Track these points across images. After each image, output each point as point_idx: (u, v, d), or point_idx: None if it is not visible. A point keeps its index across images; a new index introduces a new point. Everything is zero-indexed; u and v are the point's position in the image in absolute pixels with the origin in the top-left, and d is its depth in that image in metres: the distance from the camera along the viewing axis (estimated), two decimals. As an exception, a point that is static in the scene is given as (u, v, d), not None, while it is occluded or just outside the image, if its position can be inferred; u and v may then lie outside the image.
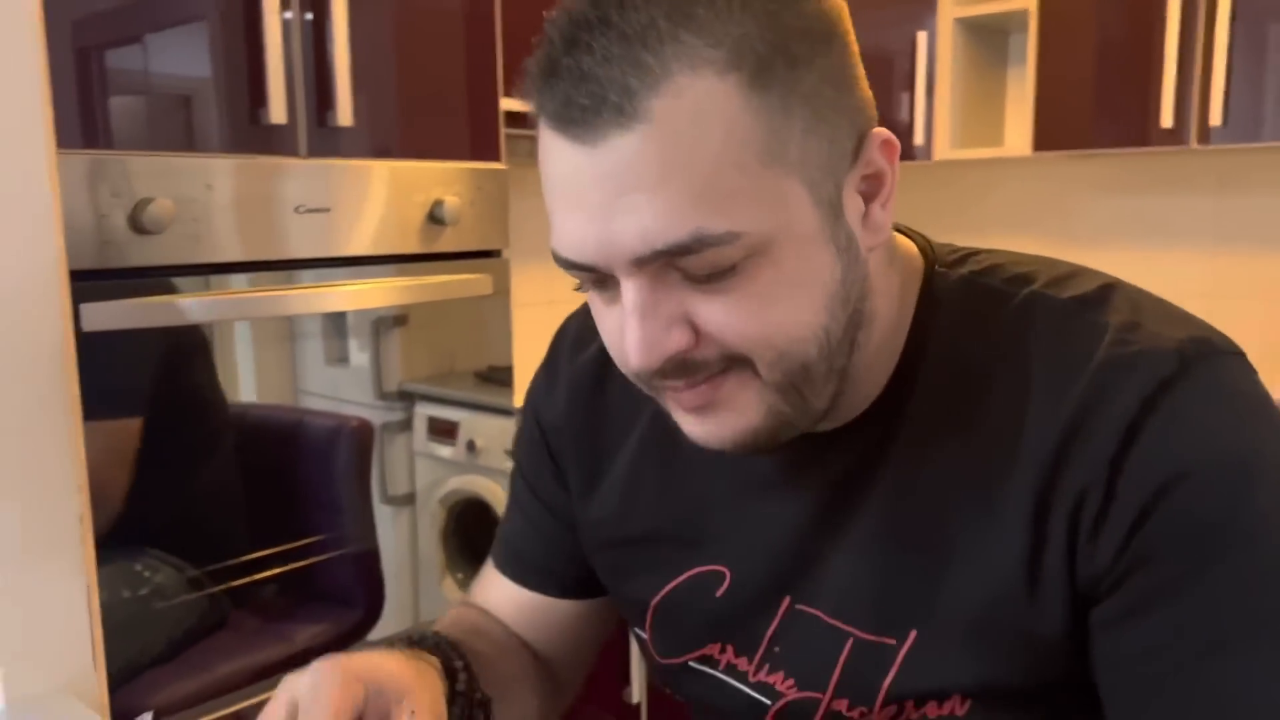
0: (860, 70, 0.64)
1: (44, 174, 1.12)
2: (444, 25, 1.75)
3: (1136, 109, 2.22)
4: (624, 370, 0.66)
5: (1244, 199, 2.45)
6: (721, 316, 0.60)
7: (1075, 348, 0.64)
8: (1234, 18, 2.06)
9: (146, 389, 1.46)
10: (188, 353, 1.54)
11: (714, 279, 0.59)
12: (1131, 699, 0.63)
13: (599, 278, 0.62)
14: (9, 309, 1.09)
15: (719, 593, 0.76)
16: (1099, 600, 0.63)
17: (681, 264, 0.59)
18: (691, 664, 0.80)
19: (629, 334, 0.60)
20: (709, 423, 0.64)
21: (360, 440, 1.86)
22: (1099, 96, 2.30)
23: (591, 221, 0.59)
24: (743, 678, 0.77)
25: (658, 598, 0.80)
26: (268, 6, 1.45)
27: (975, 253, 0.74)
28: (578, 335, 0.87)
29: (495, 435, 1.97)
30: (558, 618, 0.91)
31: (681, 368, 0.61)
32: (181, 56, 1.43)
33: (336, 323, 2.03)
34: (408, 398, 2.05)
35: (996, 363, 0.66)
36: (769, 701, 0.75)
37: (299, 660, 0.66)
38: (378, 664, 0.65)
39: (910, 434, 0.69)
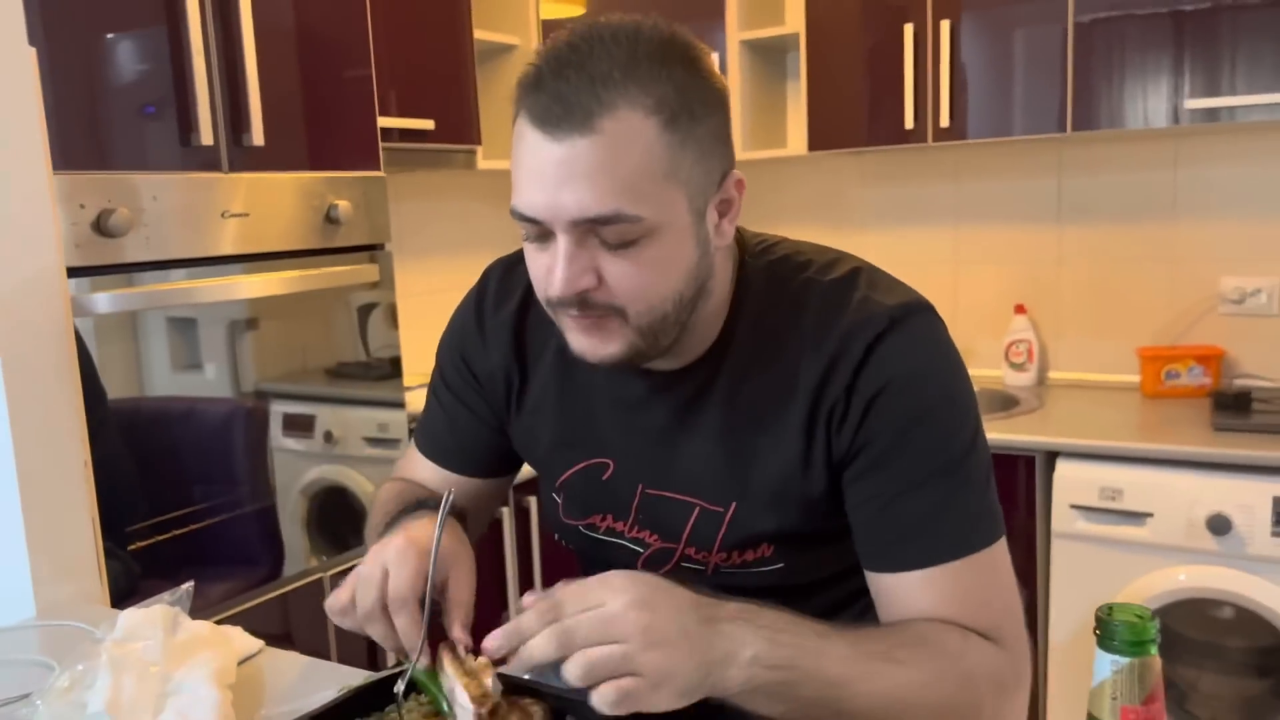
0: (731, 130, 0.89)
1: (44, 190, 1.36)
2: (330, 60, 1.94)
3: (889, 113, 2.47)
4: (542, 297, 0.89)
5: (975, 184, 2.77)
6: (619, 272, 0.84)
7: (831, 317, 0.90)
8: (953, 41, 2.37)
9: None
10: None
11: (620, 247, 0.83)
12: (866, 528, 0.91)
13: (541, 231, 0.85)
14: (22, 302, 1.29)
15: (605, 477, 1.02)
16: (845, 467, 0.91)
17: (602, 232, 0.82)
18: (582, 529, 1.06)
19: (557, 270, 0.83)
20: (589, 342, 0.88)
21: (258, 417, 1.96)
22: (859, 104, 2.53)
23: (545, 191, 0.81)
24: (620, 535, 1.03)
25: (564, 477, 1.05)
26: (194, 48, 1.64)
27: (776, 243, 0.99)
28: (496, 296, 1.08)
29: (351, 425, 2.05)
30: (468, 489, 1.13)
31: (582, 303, 0.85)
32: (129, 92, 1.59)
33: (187, 327, 2.12)
34: (263, 396, 2.10)
35: (784, 327, 0.92)
36: (640, 550, 1.02)
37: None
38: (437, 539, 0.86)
39: (729, 372, 0.94)
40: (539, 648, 0.75)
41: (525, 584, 2.41)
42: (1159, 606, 2.06)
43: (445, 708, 0.89)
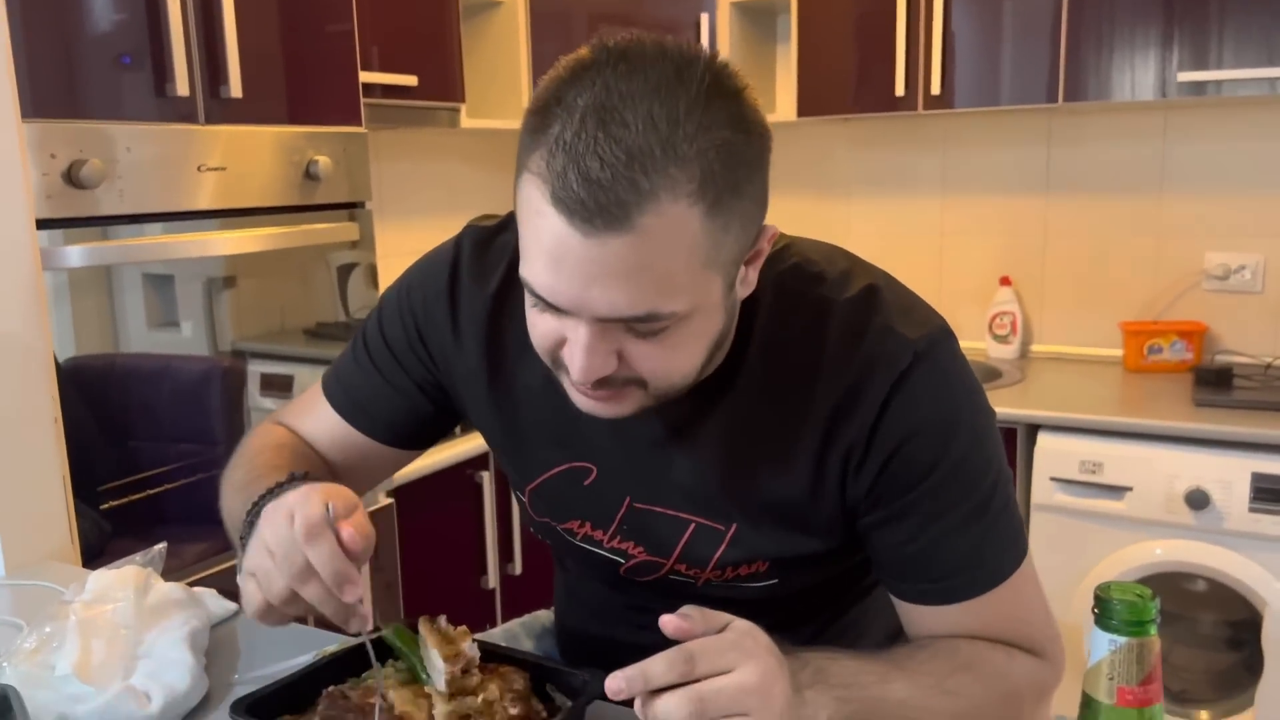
0: (768, 176, 0.78)
1: (13, 138, 1.32)
2: (311, 11, 1.89)
3: (879, 80, 2.44)
4: (544, 356, 0.81)
5: (964, 154, 2.75)
6: (644, 354, 0.77)
7: (849, 345, 0.85)
8: (946, 8, 2.35)
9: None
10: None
11: (647, 334, 0.76)
12: (894, 568, 0.90)
13: (556, 309, 0.75)
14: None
15: (586, 483, 0.96)
16: (861, 513, 0.88)
17: (631, 324, 0.75)
18: (557, 528, 1.01)
19: (577, 359, 0.75)
20: (597, 407, 0.81)
21: (234, 376, 1.94)
22: (849, 69, 2.50)
23: (570, 283, 0.72)
24: (598, 545, 0.98)
25: (539, 480, 0.99)
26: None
27: (783, 247, 0.90)
28: (473, 273, 0.97)
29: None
30: (372, 455, 1.07)
31: (599, 382, 0.78)
32: (104, 41, 1.54)
33: (163, 284, 2.08)
34: (241, 355, 2.08)
35: (796, 349, 0.86)
36: (621, 561, 0.98)
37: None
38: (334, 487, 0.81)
39: (736, 394, 0.88)
40: (671, 710, 0.72)
41: (505, 550, 2.41)
42: (1134, 580, 2.08)
43: (423, 675, 0.88)
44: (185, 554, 1.75)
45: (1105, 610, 0.53)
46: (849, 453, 0.86)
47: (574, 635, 1.18)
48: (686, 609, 0.78)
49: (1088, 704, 0.55)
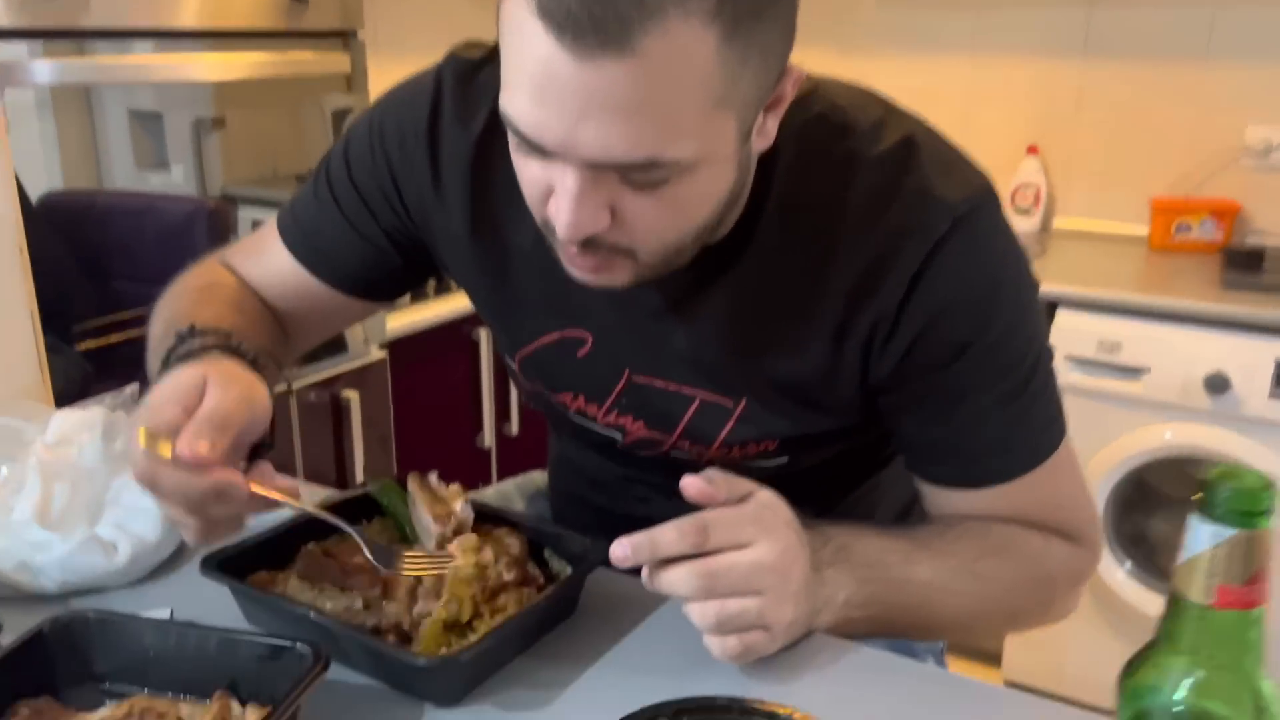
0: (797, 4, 0.67)
1: None
2: None
3: None
4: (536, 215, 0.71)
5: (997, 12, 2.60)
6: (639, 210, 0.66)
7: (878, 207, 0.75)
8: None
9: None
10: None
11: (645, 186, 0.65)
12: (923, 452, 0.84)
13: (541, 150, 0.64)
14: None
15: (581, 353, 0.87)
16: (884, 393, 0.81)
17: (626, 173, 0.64)
18: (549, 398, 0.93)
19: (563, 211, 0.65)
20: (587, 276, 0.73)
21: (222, 218, 1.86)
22: None
23: (560, 119, 0.61)
24: (592, 420, 0.91)
25: (528, 350, 0.90)
26: None
27: (807, 93, 0.79)
28: (456, 112, 0.85)
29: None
30: (330, 305, 0.97)
31: (586, 243, 0.68)
32: None
33: (150, 121, 1.99)
34: (230, 200, 2.03)
35: (819, 211, 0.76)
36: (618, 437, 0.91)
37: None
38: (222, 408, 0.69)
39: (751, 256, 0.78)
40: (679, 583, 0.68)
41: (501, 406, 2.35)
42: (1142, 463, 2.04)
43: (410, 536, 0.81)
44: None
45: (1213, 496, 0.45)
46: (874, 329, 0.78)
47: (569, 501, 1.12)
48: (711, 472, 0.72)
49: (1177, 606, 0.48)
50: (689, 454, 0.89)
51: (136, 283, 1.74)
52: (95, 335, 1.63)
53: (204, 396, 0.69)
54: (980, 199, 0.76)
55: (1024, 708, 0.74)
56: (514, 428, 2.37)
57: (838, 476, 0.96)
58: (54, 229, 1.78)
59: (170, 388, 0.71)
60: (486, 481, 2.31)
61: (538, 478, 1.23)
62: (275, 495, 0.69)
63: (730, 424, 0.85)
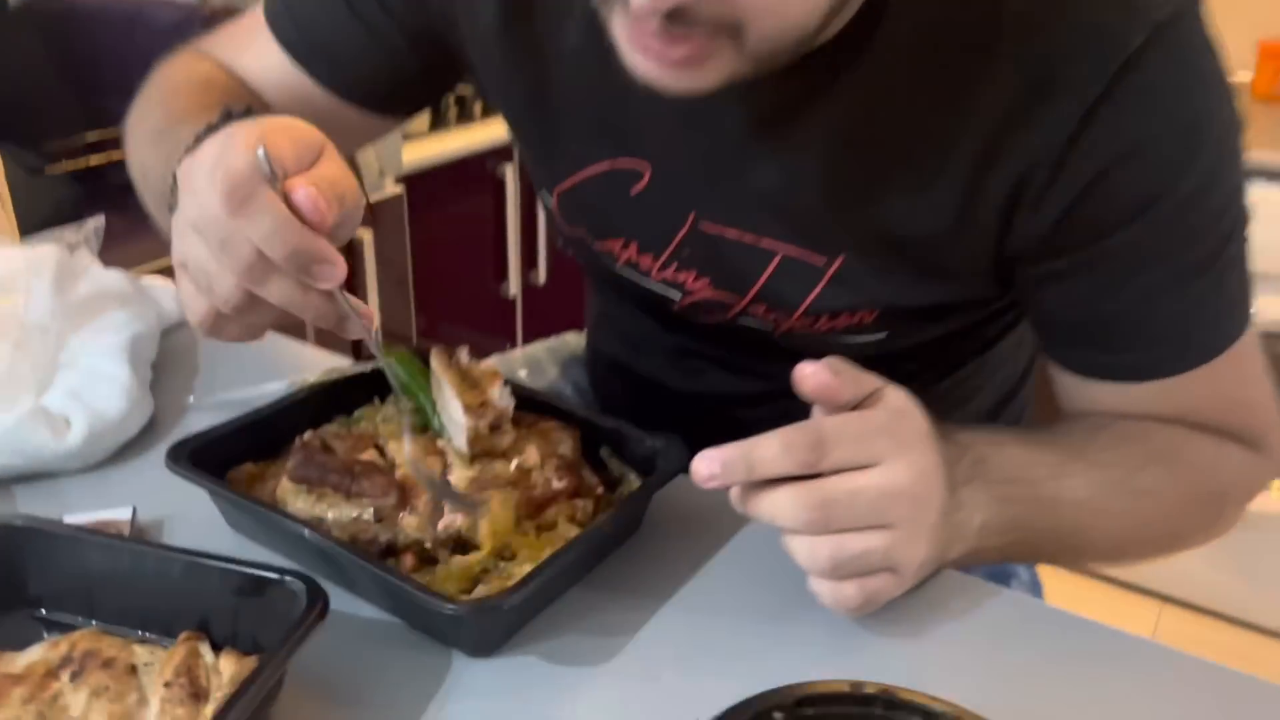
0: None
1: None
2: None
3: None
4: None
5: None
6: None
7: (1042, 14, 0.58)
8: None
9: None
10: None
11: None
12: (1078, 333, 0.68)
13: None
14: None
15: (635, 190, 0.71)
16: (1032, 258, 0.64)
17: None
18: (592, 246, 0.77)
19: None
20: (664, 73, 0.54)
21: (216, 25, 1.73)
22: None
23: None
24: (645, 274, 0.75)
25: (568, 182, 0.75)
26: None
27: None
28: None
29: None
30: (329, 115, 0.78)
31: (674, 15, 0.50)
32: None
33: None
34: (231, 11, 1.92)
35: (959, 17, 0.59)
36: (675, 297, 0.75)
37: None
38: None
39: (865, 71, 0.61)
40: (783, 512, 0.52)
41: (528, 255, 2.17)
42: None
43: (435, 422, 0.64)
44: (143, 235, 1.53)
45: None
46: (1026, 176, 0.60)
47: (610, 369, 0.95)
48: (833, 360, 0.54)
49: None
50: (761, 323, 0.73)
51: (122, 97, 1.56)
52: (73, 156, 1.45)
53: (322, 157, 0.53)
54: (1186, 3, 0.58)
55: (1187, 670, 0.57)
56: (541, 276, 2.20)
57: (936, 360, 0.80)
58: (31, 34, 1.61)
59: (286, 125, 0.53)
60: (510, 335, 2.17)
61: (572, 341, 1.07)
62: (361, 307, 0.54)
63: (820, 286, 0.69)
